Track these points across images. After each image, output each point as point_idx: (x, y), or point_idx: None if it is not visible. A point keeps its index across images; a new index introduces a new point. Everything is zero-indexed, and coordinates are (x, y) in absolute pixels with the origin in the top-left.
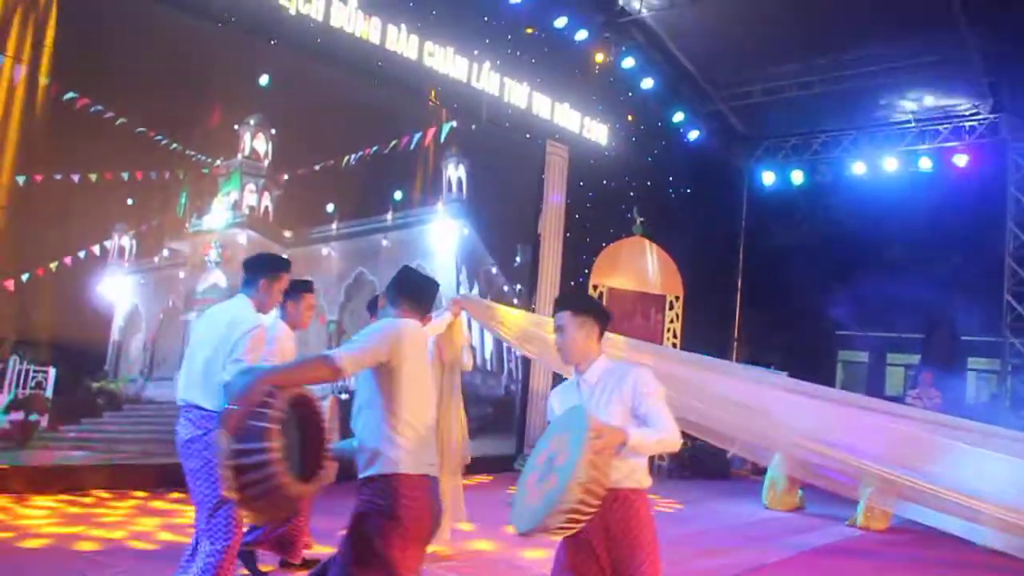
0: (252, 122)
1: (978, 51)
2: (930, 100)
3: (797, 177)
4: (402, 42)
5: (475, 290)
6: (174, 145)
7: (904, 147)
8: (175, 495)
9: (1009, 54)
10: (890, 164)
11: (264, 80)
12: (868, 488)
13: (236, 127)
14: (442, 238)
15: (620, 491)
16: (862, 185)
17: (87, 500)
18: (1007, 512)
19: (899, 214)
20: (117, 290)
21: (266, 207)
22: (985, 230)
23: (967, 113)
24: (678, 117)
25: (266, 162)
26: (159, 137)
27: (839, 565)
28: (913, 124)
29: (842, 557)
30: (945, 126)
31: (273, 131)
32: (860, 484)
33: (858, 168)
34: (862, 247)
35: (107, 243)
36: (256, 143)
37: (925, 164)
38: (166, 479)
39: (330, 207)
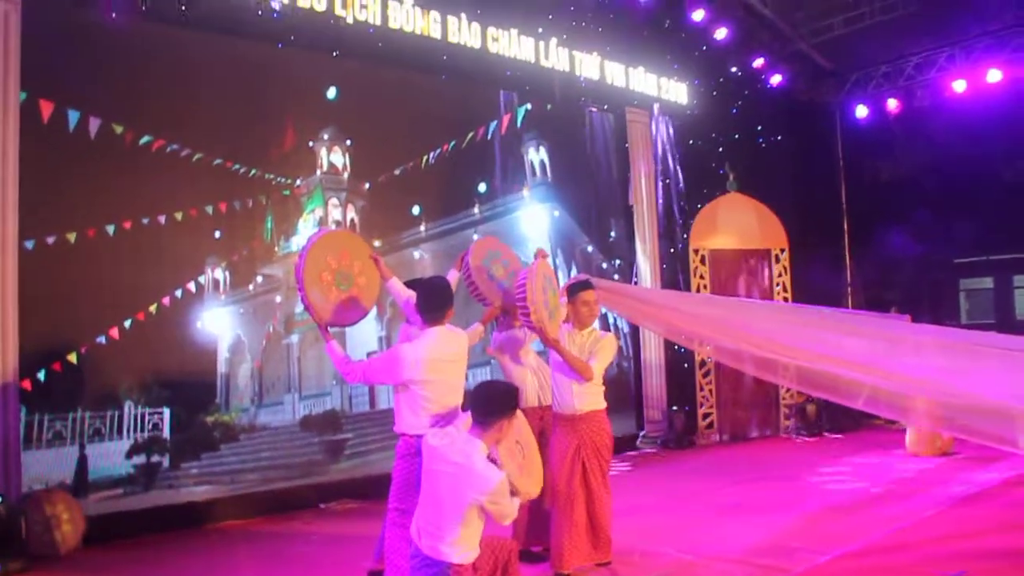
0: (326, 136)
1: None
2: None
3: (892, 106)
4: (464, 32)
5: (573, 271)
6: (252, 171)
7: (1008, 55)
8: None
9: None
10: (994, 76)
11: (332, 93)
12: None
13: (311, 144)
14: (533, 223)
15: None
16: (965, 104)
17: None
18: None
19: (1010, 127)
20: (218, 322)
21: (352, 219)
22: None
23: None
24: (758, 63)
25: (345, 174)
26: (236, 166)
27: (985, 516)
28: (1016, 28)
29: (993, 506)
30: None
31: (348, 142)
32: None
33: (959, 86)
34: (972, 168)
35: (201, 278)
36: (333, 157)
37: None
38: (289, 503)
39: (416, 209)
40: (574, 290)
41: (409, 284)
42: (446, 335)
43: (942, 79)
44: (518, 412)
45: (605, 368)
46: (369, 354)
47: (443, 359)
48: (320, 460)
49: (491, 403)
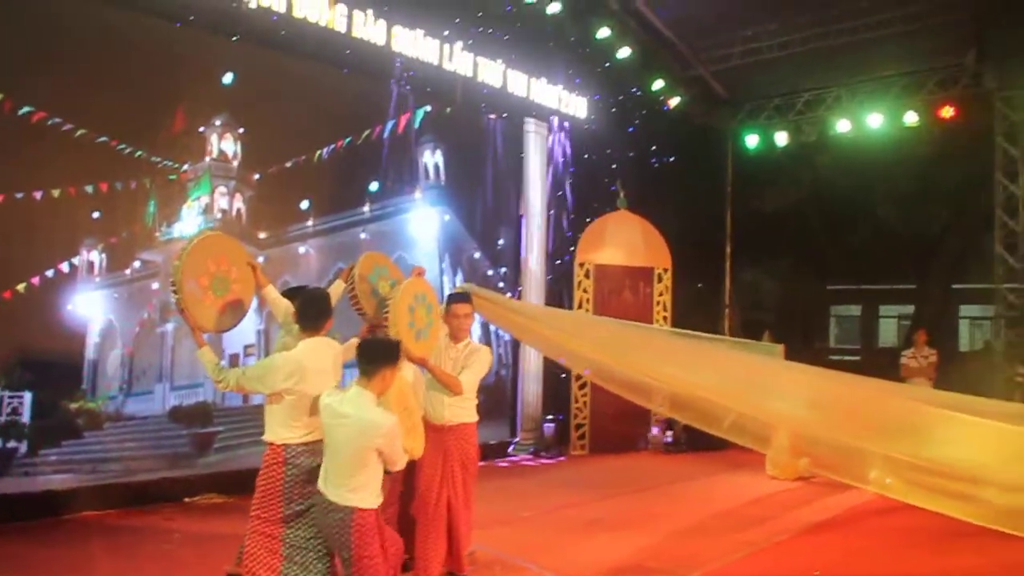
0: (218, 123)
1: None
2: (914, 52)
3: (781, 138)
4: (369, 28)
5: (459, 277)
6: (138, 153)
7: (889, 101)
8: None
9: (994, 1)
10: (875, 120)
11: (228, 79)
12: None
13: (202, 129)
14: (422, 226)
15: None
16: (848, 143)
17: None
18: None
19: (887, 169)
20: (89, 306)
21: (238, 209)
22: (974, 181)
23: (952, 64)
24: (657, 85)
25: (235, 163)
26: (122, 146)
27: (834, 544)
28: (897, 77)
29: (843, 533)
30: (930, 78)
31: (241, 130)
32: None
33: (843, 126)
34: (850, 204)
35: (75, 259)
36: (224, 144)
37: (911, 118)
38: (152, 495)
39: (304, 204)
40: (448, 302)
41: (287, 293)
42: (323, 345)
43: (828, 117)
44: (407, 379)
45: (479, 380)
46: (246, 347)
47: (319, 369)
48: (188, 453)
49: (374, 353)
